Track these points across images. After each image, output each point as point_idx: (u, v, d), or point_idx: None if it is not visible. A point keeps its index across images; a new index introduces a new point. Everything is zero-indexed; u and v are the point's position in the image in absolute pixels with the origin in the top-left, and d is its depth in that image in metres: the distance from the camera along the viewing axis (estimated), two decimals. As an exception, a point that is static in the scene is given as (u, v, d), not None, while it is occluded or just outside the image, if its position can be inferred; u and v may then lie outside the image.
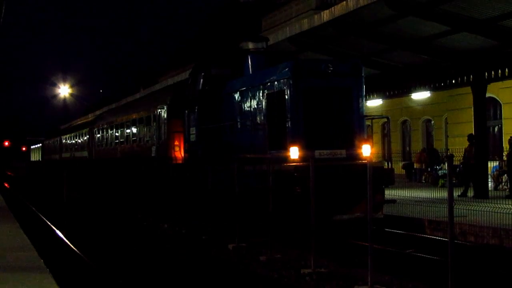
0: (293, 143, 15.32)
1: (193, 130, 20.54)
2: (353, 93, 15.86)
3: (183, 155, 21.75)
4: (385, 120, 33.50)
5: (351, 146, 15.63)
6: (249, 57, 19.05)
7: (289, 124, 15.64)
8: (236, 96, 18.39)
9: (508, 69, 21.12)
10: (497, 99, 28.60)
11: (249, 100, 17.65)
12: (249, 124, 17.48)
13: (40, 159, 67.44)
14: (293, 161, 15.09)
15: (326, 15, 21.55)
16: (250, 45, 19.43)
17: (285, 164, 15.11)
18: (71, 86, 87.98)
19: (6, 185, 58.68)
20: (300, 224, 14.72)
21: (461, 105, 29.43)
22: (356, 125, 15.83)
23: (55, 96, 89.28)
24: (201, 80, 20.05)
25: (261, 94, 17.01)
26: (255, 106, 17.30)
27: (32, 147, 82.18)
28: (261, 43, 19.74)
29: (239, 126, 18.17)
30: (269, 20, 48.92)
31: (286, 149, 15.42)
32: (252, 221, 16.45)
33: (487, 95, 23.67)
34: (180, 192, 21.32)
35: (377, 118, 26.99)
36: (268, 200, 14.54)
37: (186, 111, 21.09)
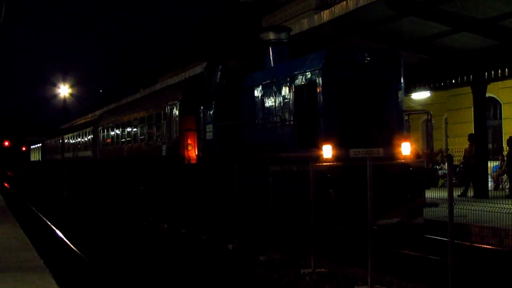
0: (326, 140, 13.97)
1: (209, 128, 19.23)
2: (392, 85, 14.57)
3: (197, 154, 20.54)
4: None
5: (389, 144, 14.31)
6: (270, 48, 17.93)
7: (321, 119, 14.25)
8: (258, 90, 17.10)
9: (508, 69, 21.13)
10: (497, 99, 28.60)
11: (273, 94, 16.29)
12: (274, 120, 16.09)
13: (40, 159, 67.31)
14: (326, 160, 13.79)
15: (326, 15, 21.50)
16: (271, 36, 18.08)
17: (316, 164, 13.66)
18: (71, 86, 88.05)
19: (6, 185, 58.68)
20: (335, 230, 13.72)
21: (461, 105, 29.42)
22: (394, 121, 14.53)
23: (55, 96, 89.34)
24: (219, 73, 18.77)
25: (288, 88, 15.63)
26: (281, 101, 15.93)
27: (32, 147, 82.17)
28: (284, 33, 18.42)
29: (261, 123, 16.81)
30: (269, 20, 48.86)
31: (317, 147, 14.07)
32: (284, 227, 15.12)
33: (487, 95, 23.68)
34: (195, 194, 20.11)
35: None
36: (299, 205, 13.53)
37: (202, 107, 19.73)
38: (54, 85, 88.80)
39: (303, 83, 15.08)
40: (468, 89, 23.72)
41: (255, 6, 54.54)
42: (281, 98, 15.95)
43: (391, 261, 13.32)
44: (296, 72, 15.34)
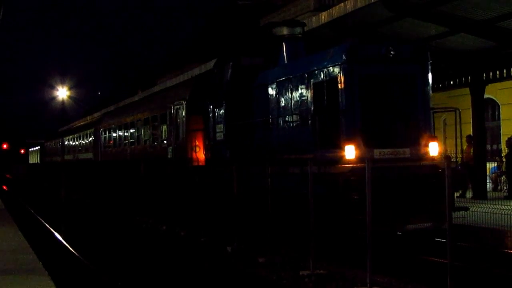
0: (348, 140, 13.19)
1: (219, 128, 18.36)
2: (418, 81, 13.75)
3: (205, 155, 19.67)
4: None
5: (416, 144, 13.55)
6: (284, 44, 17.13)
7: (343, 118, 13.44)
8: (272, 87, 16.26)
9: (506, 70, 21.16)
10: (496, 100, 28.62)
11: (289, 91, 15.44)
12: (290, 119, 15.35)
13: (39, 162, 67.16)
14: (349, 161, 13.05)
15: (324, 17, 21.50)
16: (285, 31, 17.26)
17: (338, 166, 13.13)
18: (69, 89, 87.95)
19: (4, 187, 58.62)
20: (357, 236, 12.88)
21: (460, 106, 29.35)
22: (421, 119, 13.71)
23: (53, 98, 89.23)
24: (230, 70, 17.92)
25: (305, 84, 14.79)
26: (298, 98, 15.06)
27: (30, 149, 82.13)
28: (298, 28, 17.57)
29: (276, 122, 15.99)
30: (267, 22, 48.90)
31: (339, 147, 13.33)
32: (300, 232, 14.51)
33: (485, 96, 23.69)
34: (205, 197, 19.12)
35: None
36: (320, 207, 12.94)
37: (211, 106, 18.87)
38: (53, 87, 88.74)
39: (322, 79, 14.23)
40: (466, 90, 23.73)
41: (253, 7, 54.59)
42: (298, 95, 15.10)
43: (414, 268, 12.89)
44: (314, 68, 14.54)
